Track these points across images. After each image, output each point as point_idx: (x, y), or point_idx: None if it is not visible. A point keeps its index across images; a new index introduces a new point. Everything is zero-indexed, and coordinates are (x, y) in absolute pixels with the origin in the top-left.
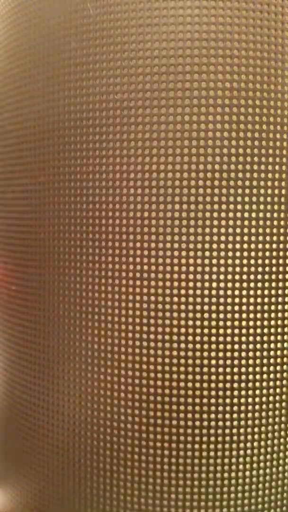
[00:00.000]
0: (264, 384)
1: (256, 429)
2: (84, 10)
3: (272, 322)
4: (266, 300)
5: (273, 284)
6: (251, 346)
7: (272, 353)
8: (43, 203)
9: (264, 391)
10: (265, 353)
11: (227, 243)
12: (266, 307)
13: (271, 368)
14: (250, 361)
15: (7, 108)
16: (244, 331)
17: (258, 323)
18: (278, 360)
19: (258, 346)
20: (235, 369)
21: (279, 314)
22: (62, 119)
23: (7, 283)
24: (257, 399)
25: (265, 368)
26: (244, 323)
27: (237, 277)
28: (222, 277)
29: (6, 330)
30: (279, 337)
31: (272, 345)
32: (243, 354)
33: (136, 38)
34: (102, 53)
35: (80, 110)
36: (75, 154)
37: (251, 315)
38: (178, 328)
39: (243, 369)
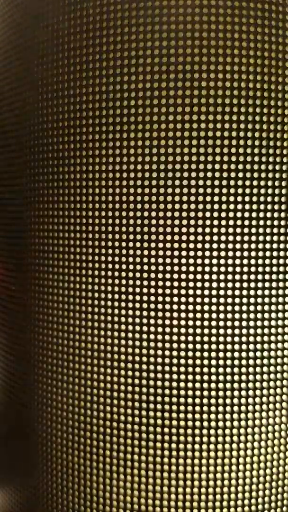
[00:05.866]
0: (265, 384)
1: (256, 429)
2: (84, 10)
3: (273, 322)
4: (266, 300)
5: (274, 284)
6: (251, 346)
7: (272, 353)
8: (43, 202)
9: (265, 391)
10: (265, 353)
11: (228, 242)
12: (266, 307)
13: (271, 368)
14: (251, 361)
15: (6, 108)
16: (244, 331)
17: (259, 323)
18: (279, 360)
19: (259, 346)
20: (235, 369)
21: (280, 314)
22: (62, 119)
23: (7, 283)
24: (257, 399)
25: (265, 368)
26: (244, 323)
27: (237, 276)
28: (222, 276)
29: (5, 330)
30: (279, 337)
31: (272, 345)
32: (243, 354)
33: (137, 37)
34: (102, 52)
35: (80, 110)
36: (74, 154)
37: (252, 315)
38: (178, 328)
39: (243, 369)
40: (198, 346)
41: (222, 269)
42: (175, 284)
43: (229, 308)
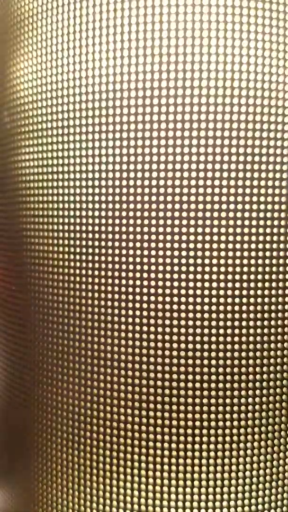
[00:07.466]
0: (265, 384)
1: (256, 429)
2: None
3: (273, 322)
4: (266, 300)
5: (273, 284)
6: (251, 346)
7: (272, 353)
8: (43, 202)
9: (265, 391)
10: (265, 353)
11: (228, 242)
12: (266, 307)
13: (271, 368)
14: (251, 361)
15: (6, 107)
16: (244, 331)
17: (259, 323)
18: (279, 360)
19: (259, 346)
20: (235, 369)
21: (279, 314)
22: (61, 118)
23: (7, 283)
24: (257, 399)
25: (265, 368)
26: (244, 323)
27: (237, 277)
28: (222, 276)
29: (5, 330)
30: (279, 337)
31: (272, 345)
32: (243, 354)
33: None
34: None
35: (80, 109)
36: (74, 154)
37: (251, 315)
38: (178, 328)
39: (243, 369)
40: (198, 346)
41: (222, 269)
42: (175, 284)
43: (229, 308)
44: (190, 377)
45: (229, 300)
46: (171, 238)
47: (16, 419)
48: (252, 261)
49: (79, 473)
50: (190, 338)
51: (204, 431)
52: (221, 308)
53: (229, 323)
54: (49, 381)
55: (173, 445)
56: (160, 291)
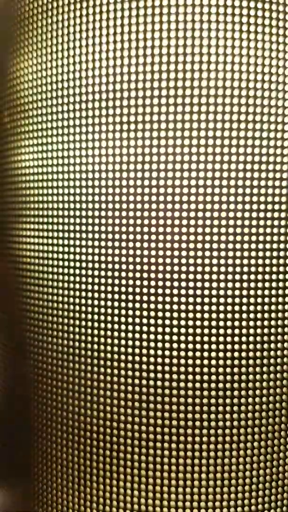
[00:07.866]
0: (265, 384)
1: (256, 429)
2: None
3: (273, 322)
4: (266, 300)
5: (273, 284)
6: (251, 346)
7: (272, 353)
8: (43, 202)
9: (265, 391)
10: (265, 353)
11: (227, 242)
12: (266, 307)
13: (271, 368)
14: (251, 361)
15: (6, 107)
16: (244, 331)
17: (259, 323)
18: (279, 360)
19: (259, 346)
20: (235, 369)
21: (279, 314)
22: (61, 118)
23: (6, 281)
24: (257, 399)
25: (265, 368)
26: (244, 323)
27: (237, 277)
28: (222, 277)
29: (5, 330)
30: (279, 337)
31: (272, 345)
32: (243, 354)
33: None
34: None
35: (80, 109)
36: (74, 154)
37: (251, 315)
38: (178, 328)
39: (243, 369)
40: (198, 346)
41: (222, 269)
42: (175, 284)
43: (229, 308)
44: (190, 377)
45: (229, 300)
46: (171, 238)
47: (16, 419)
48: (252, 261)
49: (79, 473)
50: (190, 338)
51: (204, 431)
52: (221, 308)
53: (229, 323)
54: (49, 381)
55: (173, 445)
56: (160, 291)
